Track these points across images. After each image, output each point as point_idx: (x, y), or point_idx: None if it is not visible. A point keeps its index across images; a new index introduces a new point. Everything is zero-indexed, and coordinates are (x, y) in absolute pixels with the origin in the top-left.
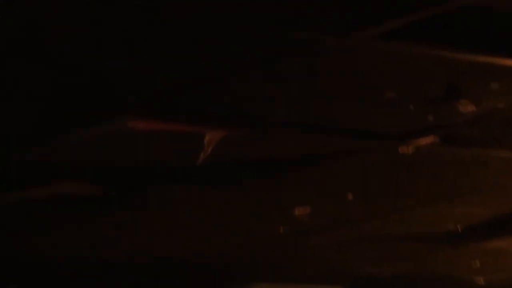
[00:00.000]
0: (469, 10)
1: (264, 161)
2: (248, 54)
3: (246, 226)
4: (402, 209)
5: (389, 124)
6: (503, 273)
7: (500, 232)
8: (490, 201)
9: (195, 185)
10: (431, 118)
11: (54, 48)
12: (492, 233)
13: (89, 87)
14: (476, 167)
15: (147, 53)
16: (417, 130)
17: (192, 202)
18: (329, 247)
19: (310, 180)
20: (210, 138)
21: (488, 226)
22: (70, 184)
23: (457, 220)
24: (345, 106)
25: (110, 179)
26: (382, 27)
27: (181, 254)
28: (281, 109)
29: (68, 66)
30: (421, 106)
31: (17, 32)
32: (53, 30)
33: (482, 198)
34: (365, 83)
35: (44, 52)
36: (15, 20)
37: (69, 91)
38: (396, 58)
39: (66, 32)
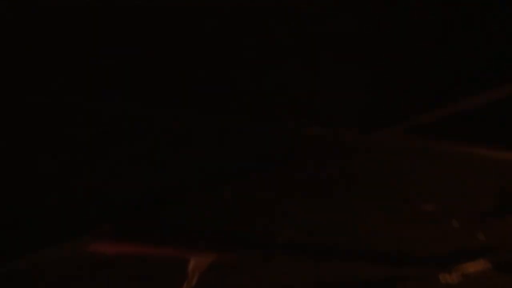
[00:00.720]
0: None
1: None
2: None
3: None
4: None
5: (428, 245)
6: None
7: None
8: None
9: None
10: (482, 237)
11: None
12: None
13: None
14: None
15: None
16: (464, 252)
17: None
18: None
19: None
20: (196, 265)
21: None
22: None
23: None
24: (372, 223)
25: None
26: (411, 121)
27: None
28: (290, 226)
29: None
30: (468, 222)
31: None
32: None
33: None
34: (395, 192)
35: None
36: None
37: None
38: (434, 159)
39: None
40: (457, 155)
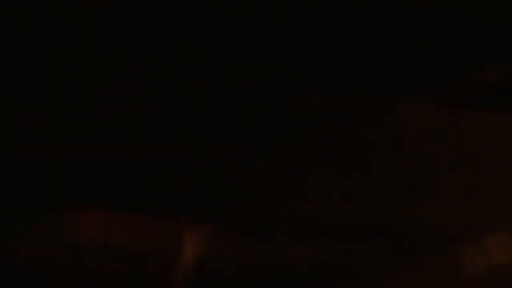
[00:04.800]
0: None
1: (267, 276)
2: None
3: None
4: None
5: (447, 219)
6: None
7: None
8: None
9: None
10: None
11: None
12: None
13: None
14: None
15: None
16: (482, 225)
17: None
18: None
19: None
20: (191, 239)
21: None
22: None
23: None
24: (388, 197)
25: None
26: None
27: None
28: (297, 201)
29: None
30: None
31: None
32: None
33: None
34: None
35: None
36: None
37: None
38: (458, 130)
39: None
40: (478, 126)
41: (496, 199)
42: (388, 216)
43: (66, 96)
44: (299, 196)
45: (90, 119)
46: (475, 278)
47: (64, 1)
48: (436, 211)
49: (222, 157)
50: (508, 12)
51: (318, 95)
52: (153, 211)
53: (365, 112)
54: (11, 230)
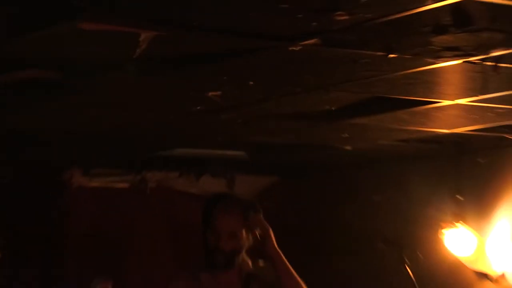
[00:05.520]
0: None
1: (187, 56)
2: None
3: (170, 105)
4: (290, 94)
5: (283, 28)
6: (365, 142)
7: (363, 112)
8: (359, 86)
9: (131, 73)
10: (315, 24)
11: None
12: (357, 112)
13: None
14: (347, 63)
15: None
16: (304, 33)
17: (128, 86)
18: (235, 121)
19: (221, 71)
20: (144, 37)
21: (356, 106)
22: (34, 71)
23: (331, 103)
24: (253, 13)
25: (67, 69)
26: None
27: (120, 127)
28: (201, 15)
29: None
30: (307, 15)
31: None
32: None
33: (352, 85)
34: None
35: None
36: None
37: None
38: None
39: None
40: None
41: None
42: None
43: None
44: None
45: None
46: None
47: None
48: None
49: None
50: None
51: None
52: (123, 21)
53: None
54: None
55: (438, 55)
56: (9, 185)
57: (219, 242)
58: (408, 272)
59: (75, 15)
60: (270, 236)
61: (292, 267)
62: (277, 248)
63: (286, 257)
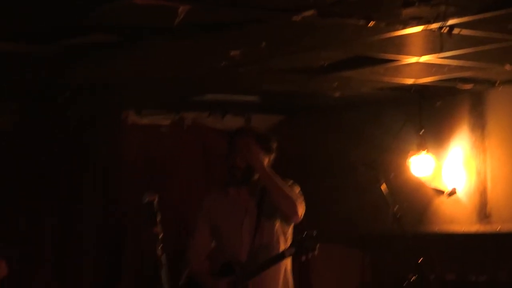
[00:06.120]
0: None
1: (214, 24)
2: None
3: (201, 62)
4: (293, 53)
5: (288, 2)
6: (350, 90)
7: (349, 67)
8: (346, 47)
9: (173, 37)
10: (312, 0)
11: None
12: (344, 67)
13: None
14: (336, 30)
15: None
16: (304, 6)
17: (170, 47)
18: (251, 74)
19: (240, 35)
20: (182, 9)
21: (343, 62)
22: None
23: (324, 60)
24: None
25: (124, 33)
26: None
27: (164, 78)
28: None
29: None
30: None
31: None
32: None
33: (340, 46)
34: None
35: None
36: None
37: None
38: None
39: None
40: None
41: None
42: None
43: None
44: None
45: None
46: None
47: None
48: None
49: None
50: None
51: None
52: None
53: None
54: None
55: (406, 23)
56: (80, 122)
57: (235, 160)
58: (382, 190)
59: None
60: (257, 160)
61: None
62: (265, 169)
63: (285, 178)
